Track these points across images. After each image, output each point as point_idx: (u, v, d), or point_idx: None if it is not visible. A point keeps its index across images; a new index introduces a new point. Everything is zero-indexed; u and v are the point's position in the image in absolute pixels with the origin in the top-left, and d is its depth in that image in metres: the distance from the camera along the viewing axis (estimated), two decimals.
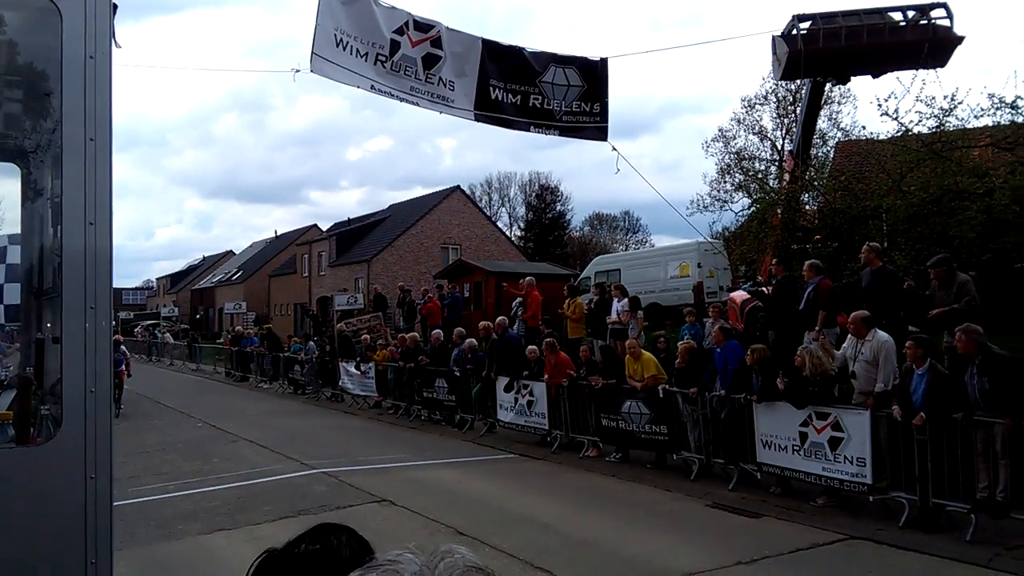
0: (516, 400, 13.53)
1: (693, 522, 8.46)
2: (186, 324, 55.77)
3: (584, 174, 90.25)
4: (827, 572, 6.97)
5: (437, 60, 10.77)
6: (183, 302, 71.29)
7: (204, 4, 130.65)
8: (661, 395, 10.85)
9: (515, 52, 11.52)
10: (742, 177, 27.25)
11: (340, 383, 20.18)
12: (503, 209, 63.89)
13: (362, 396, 19.26)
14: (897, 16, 16.54)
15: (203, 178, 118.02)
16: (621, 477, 10.76)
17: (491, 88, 11.21)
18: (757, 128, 39.38)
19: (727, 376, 10.39)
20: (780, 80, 24.22)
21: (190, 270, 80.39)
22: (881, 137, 17.08)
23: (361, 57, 10.16)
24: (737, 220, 24.04)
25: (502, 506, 9.29)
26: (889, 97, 16.07)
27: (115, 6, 2.74)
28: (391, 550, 0.89)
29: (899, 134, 15.67)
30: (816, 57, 16.67)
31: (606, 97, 11.95)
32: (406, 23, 10.54)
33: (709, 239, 21.65)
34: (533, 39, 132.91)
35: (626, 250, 52.98)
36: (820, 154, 26.73)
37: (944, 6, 16.10)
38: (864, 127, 45.76)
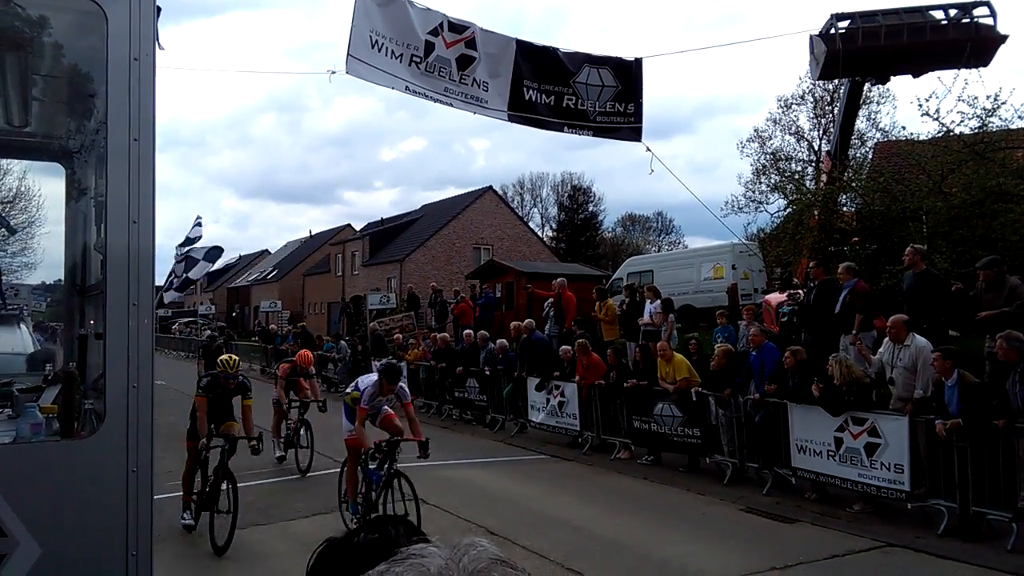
0: (548, 401, 13.53)
1: (726, 526, 8.38)
2: (222, 322, 56.57)
3: (617, 175, 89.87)
4: None
5: (471, 61, 10.81)
6: (219, 300, 72.37)
7: (241, 6, 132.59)
8: (694, 398, 10.77)
9: (549, 52, 11.53)
10: (778, 178, 26.91)
11: None
12: (535, 210, 63.93)
13: None
14: (939, 14, 16.20)
15: (241, 178, 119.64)
16: (653, 480, 10.70)
17: (525, 88, 11.23)
18: (793, 128, 38.84)
19: (763, 379, 10.28)
20: (818, 80, 23.87)
21: (227, 269, 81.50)
22: (921, 138, 16.79)
23: (396, 58, 10.24)
24: (772, 222, 23.80)
25: (533, 507, 9.28)
26: (930, 97, 15.83)
27: (159, 9, 2.79)
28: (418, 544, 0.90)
29: (940, 135, 15.36)
30: (855, 57, 16.39)
31: (640, 97, 11.91)
32: (441, 24, 10.60)
33: (744, 241, 21.41)
34: (567, 40, 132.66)
35: (659, 251, 52.64)
36: (858, 155, 26.33)
37: (987, 4, 15.73)
38: (904, 127, 44.95)
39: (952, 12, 16.08)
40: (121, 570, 2.52)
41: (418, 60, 10.40)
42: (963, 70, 15.17)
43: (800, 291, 14.13)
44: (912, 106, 46.77)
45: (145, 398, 2.53)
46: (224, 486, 7.78)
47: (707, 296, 21.60)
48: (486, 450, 13.18)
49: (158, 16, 2.78)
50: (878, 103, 35.59)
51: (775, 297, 16.14)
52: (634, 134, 11.98)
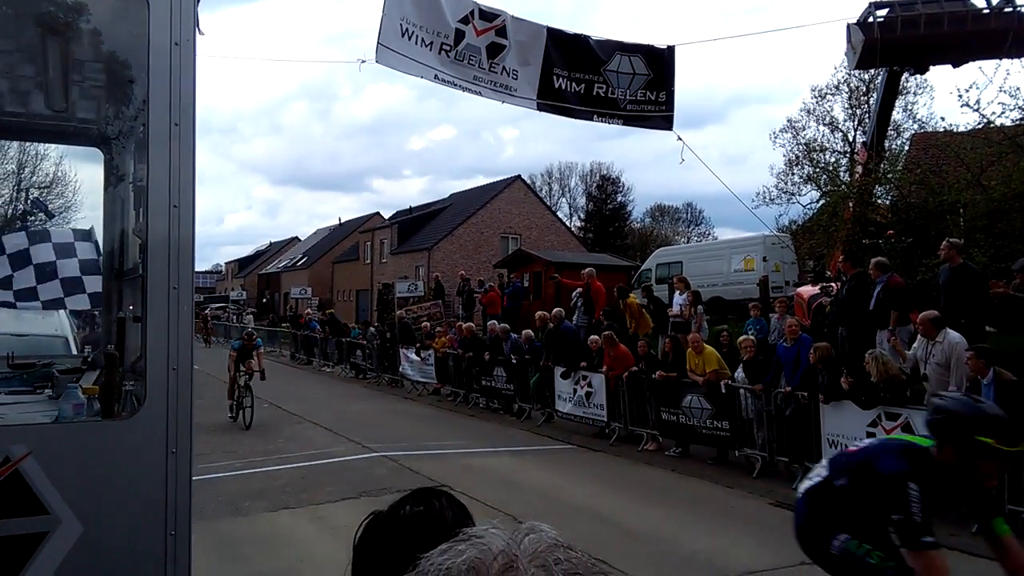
0: (575, 391, 13.51)
1: (755, 520, 8.31)
2: (253, 308, 57.28)
3: (646, 165, 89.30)
4: None
5: (501, 49, 10.76)
6: (250, 286, 73.24)
7: None
8: (723, 390, 10.69)
9: (580, 40, 11.43)
10: (811, 169, 26.50)
11: (400, 369, 20.47)
12: (563, 199, 63.69)
13: (421, 382, 19.50)
14: (980, 3, 15.82)
15: (272, 166, 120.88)
16: (680, 472, 10.65)
17: (555, 77, 11.15)
18: (828, 119, 38.17)
19: (795, 373, 10.17)
20: (855, 70, 23.44)
21: (257, 255, 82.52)
22: (960, 129, 16.39)
23: (426, 47, 10.22)
24: (805, 213, 23.46)
25: (560, 496, 9.29)
26: (970, 88, 15.36)
27: None
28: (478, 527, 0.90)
29: (980, 126, 15.01)
30: (893, 46, 16.05)
31: (672, 86, 11.77)
32: (471, 12, 10.56)
33: (776, 232, 21.14)
34: (598, 28, 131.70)
35: (688, 242, 52.24)
36: (894, 146, 25.82)
37: None
38: (943, 118, 43.94)
39: (994, 1, 15.69)
40: (160, 549, 2.57)
41: (448, 48, 10.37)
42: (1005, 60, 14.80)
43: (833, 284, 13.94)
44: (951, 97, 45.81)
45: (184, 380, 2.56)
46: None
47: (737, 288, 21.40)
48: (512, 439, 13.21)
49: (198, 1, 2.79)
50: (915, 93, 34.86)
51: (807, 290, 15.94)
52: (665, 123, 11.85)
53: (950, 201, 14.18)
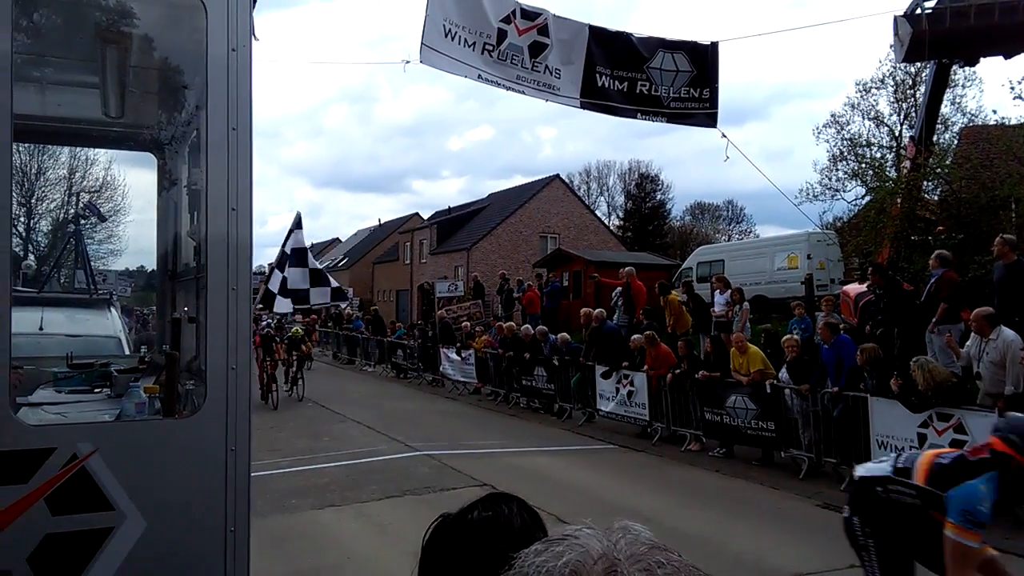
0: (617, 390, 13.44)
1: (803, 522, 8.18)
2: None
3: (685, 162, 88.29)
4: None
5: (544, 48, 10.76)
6: None
7: None
8: (768, 390, 10.54)
9: (622, 38, 11.37)
10: (856, 164, 25.99)
11: (441, 368, 20.58)
12: (601, 198, 63.31)
13: (462, 382, 19.59)
14: None
15: (313, 168, 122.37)
16: (725, 473, 10.52)
17: (597, 75, 11.11)
18: (873, 113, 37.31)
19: (838, 373, 9.99)
20: (902, 62, 22.94)
21: None
22: (1012, 122, 15.95)
23: (469, 47, 10.27)
24: (850, 210, 23.02)
25: (602, 496, 9.25)
26: (1023, 80, 14.94)
27: (254, 1, 2.85)
28: (568, 526, 0.89)
29: None
30: (942, 38, 15.68)
31: (716, 82, 11.65)
32: (513, 12, 10.57)
33: (821, 229, 20.77)
34: (638, 25, 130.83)
35: (728, 240, 51.59)
36: (943, 140, 25.18)
37: None
38: (994, 111, 42.66)
39: None
40: (219, 546, 2.62)
41: (491, 48, 10.41)
42: None
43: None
44: (1002, 89, 44.53)
45: (243, 379, 2.61)
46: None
47: (780, 287, 21.07)
48: (554, 438, 13.19)
49: (254, 6, 2.84)
50: (963, 86, 33.92)
51: (854, 288, 15.63)
52: (709, 120, 11.73)
53: (1002, 196, 13.82)
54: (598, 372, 13.91)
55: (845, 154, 31.14)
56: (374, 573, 6.75)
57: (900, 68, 31.74)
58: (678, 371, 12.17)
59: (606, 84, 11.12)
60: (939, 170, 16.54)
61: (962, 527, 3.47)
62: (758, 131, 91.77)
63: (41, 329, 5.61)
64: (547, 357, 15.66)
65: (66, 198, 25.72)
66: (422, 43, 9.84)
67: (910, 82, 34.08)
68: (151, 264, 6.06)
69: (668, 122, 11.80)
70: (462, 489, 9.35)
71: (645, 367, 12.77)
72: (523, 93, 10.78)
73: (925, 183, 16.79)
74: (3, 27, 2.46)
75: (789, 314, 14.09)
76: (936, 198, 16.93)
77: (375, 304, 43.97)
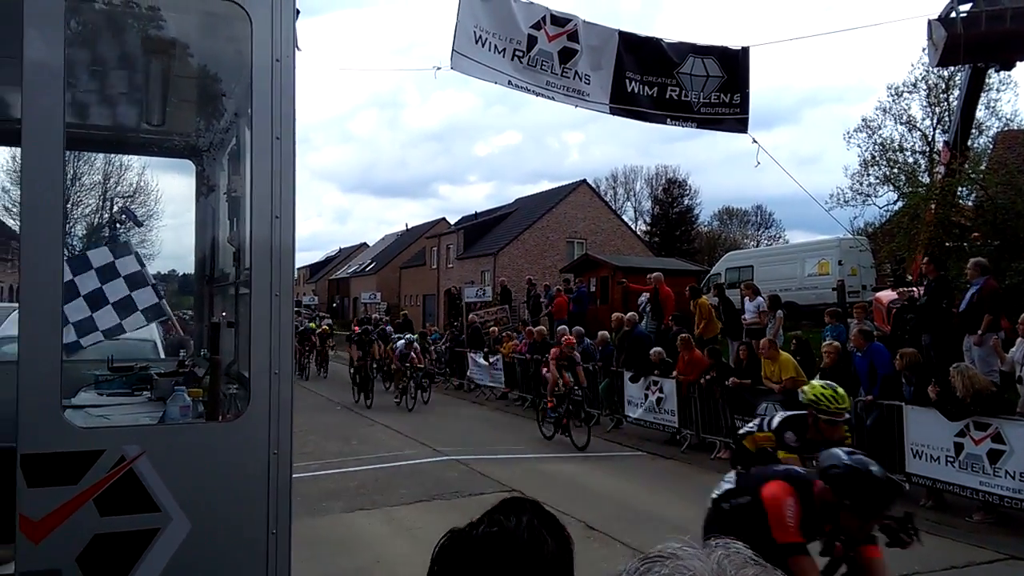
0: (645, 396, 13.37)
1: None
2: (324, 312, 58.60)
3: (713, 167, 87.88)
4: None
5: (573, 54, 10.76)
6: (321, 291, 74.88)
7: (347, 5, 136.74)
8: (801, 398, 10.40)
9: (652, 43, 11.34)
10: (888, 170, 25.63)
11: (468, 373, 20.62)
12: (628, 203, 63.17)
13: (489, 387, 19.60)
14: None
15: (342, 174, 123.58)
16: None
17: (627, 80, 11.09)
18: (905, 118, 36.80)
19: (872, 382, 9.85)
20: (936, 67, 22.55)
21: (327, 261, 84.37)
22: None
23: (499, 53, 10.31)
24: (881, 215, 22.71)
25: (631, 503, 9.20)
26: None
27: (298, 11, 2.90)
28: (666, 543, 0.87)
29: None
30: (977, 41, 15.41)
31: (747, 88, 11.56)
32: (543, 18, 10.60)
33: (853, 235, 20.51)
34: (664, 30, 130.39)
35: (757, 246, 51.14)
36: (977, 145, 24.77)
37: None
38: None
39: None
40: (262, 548, 2.65)
41: (520, 54, 10.44)
42: None
43: (914, 289, 13.45)
44: None
45: (286, 383, 2.65)
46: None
47: (811, 293, 20.85)
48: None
49: (297, 17, 2.88)
50: (998, 90, 33.35)
51: (886, 295, 15.41)
52: (740, 125, 11.65)
53: None
54: (626, 377, 13.85)
55: (877, 159, 30.76)
56: None
57: (933, 72, 31.31)
58: (708, 376, 12.08)
59: (636, 90, 11.10)
60: (974, 175, 16.25)
61: None
62: (788, 136, 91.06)
63: None
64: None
65: (100, 203, 26.19)
66: (453, 50, 9.90)
67: (943, 86, 33.60)
68: (187, 269, 6.13)
69: (698, 128, 11.73)
70: (490, 495, 9.35)
71: (675, 372, 12.69)
72: (553, 99, 10.79)
73: (960, 188, 16.51)
74: (56, 38, 2.53)
75: (819, 321, 13.91)
76: (971, 204, 16.63)
77: (404, 309, 44.21)
